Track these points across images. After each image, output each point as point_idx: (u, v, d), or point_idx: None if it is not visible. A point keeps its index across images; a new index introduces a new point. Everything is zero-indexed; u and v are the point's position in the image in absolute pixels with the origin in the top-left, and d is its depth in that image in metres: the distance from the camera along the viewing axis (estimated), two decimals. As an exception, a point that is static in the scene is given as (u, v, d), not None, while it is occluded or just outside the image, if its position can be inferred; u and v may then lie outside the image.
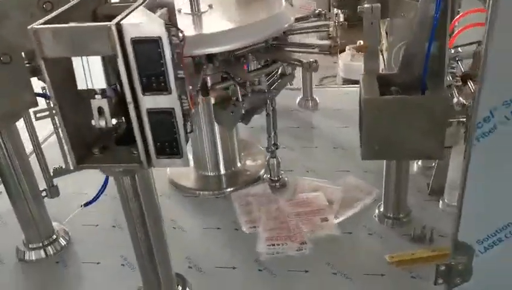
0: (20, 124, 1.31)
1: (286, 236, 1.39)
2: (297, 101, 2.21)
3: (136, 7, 0.86)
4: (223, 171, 1.71)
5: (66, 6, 0.93)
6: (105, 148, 0.96)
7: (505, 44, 0.65)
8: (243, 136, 1.83)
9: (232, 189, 1.64)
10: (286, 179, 1.65)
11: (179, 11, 1.47)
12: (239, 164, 1.75)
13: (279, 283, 1.25)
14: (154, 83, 0.81)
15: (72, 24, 0.81)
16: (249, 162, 1.77)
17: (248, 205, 1.55)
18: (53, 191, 1.46)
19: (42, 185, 1.42)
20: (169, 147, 0.88)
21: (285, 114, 2.15)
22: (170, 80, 0.81)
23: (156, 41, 0.78)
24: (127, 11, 0.84)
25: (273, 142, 1.57)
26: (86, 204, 1.41)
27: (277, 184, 1.63)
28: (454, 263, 0.83)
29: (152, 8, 0.90)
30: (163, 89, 0.81)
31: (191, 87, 0.92)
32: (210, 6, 1.48)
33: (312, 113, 2.16)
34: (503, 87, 0.67)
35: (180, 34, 0.87)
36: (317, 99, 2.21)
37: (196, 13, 1.47)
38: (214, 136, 1.63)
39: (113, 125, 0.88)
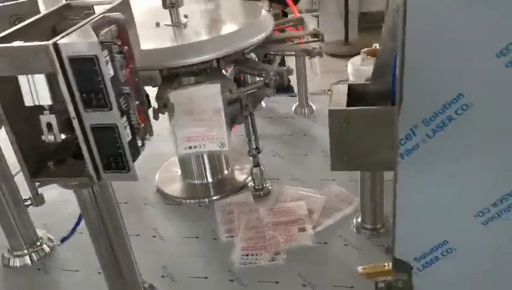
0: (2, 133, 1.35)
1: (261, 246, 1.39)
2: (293, 108, 2.21)
3: (83, 25, 0.88)
4: (209, 179, 1.72)
5: (24, 23, 0.97)
6: (62, 162, 0.98)
7: (418, 59, 0.64)
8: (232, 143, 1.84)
9: (217, 197, 1.65)
10: (270, 187, 1.65)
11: (158, 24, 1.49)
12: (226, 172, 1.76)
13: (248, 293, 1.26)
14: (94, 99, 0.83)
15: (14, 43, 0.84)
16: (236, 170, 1.78)
17: (229, 213, 1.56)
18: (38, 200, 1.50)
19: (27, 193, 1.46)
20: (115, 162, 0.89)
21: (280, 121, 2.16)
22: (110, 97, 0.82)
23: (91, 60, 0.80)
24: (71, 29, 0.86)
25: (254, 147, 1.57)
26: (62, 240, 1.50)
27: (261, 193, 1.63)
28: (394, 280, 0.82)
29: (102, 25, 0.91)
30: (103, 105, 0.83)
31: (137, 102, 0.93)
32: (185, 16, 1.49)
33: (307, 121, 2.15)
34: (422, 106, 0.66)
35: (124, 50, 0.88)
36: (313, 106, 2.20)
37: (176, 25, 1.49)
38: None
39: (62, 139, 0.90)
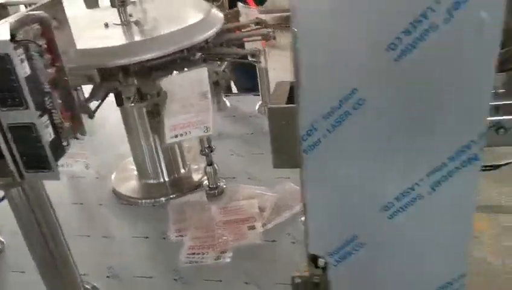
0: None
1: (209, 245, 1.39)
2: (256, 107, 2.21)
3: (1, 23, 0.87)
4: (165, 179, 1.72)
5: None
6: (-10, 161, 0.97)
7: (312, 57, 0.64)
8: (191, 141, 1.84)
9: (173, 197, 1.65)
10: (224, 186, 1.65)
11: (106, 24, 1.49)
12: (183, 171, 1.76)
13: (190, 292, 1.25)
14: (9, 98, 0.82)
15: None
16: (193, 169, 1.78)
17: (182, 213, 1.56)
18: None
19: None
20: (37, 162, 0.89)
21: (242, 120, 2.16)
22: (25, 96, 0.82)
23: (3, 58, 0.79)
24: (-12, 27, 0.85)
25: (207, 145, 1.56)
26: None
27: (215, 192, 1.63)
28: (310, 275, 0.82)
29: (25, 23, 0.91)
30: (19, 104, 0.83)
31: (59, 101, 0.92)
32: (131, 16, 1.49)
33: (269, 119, 2.14)
34: (321, 101, 0.67)
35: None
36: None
37: (125, 24, 1.49)
38: (150, 143, 1.63)
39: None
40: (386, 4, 0.59)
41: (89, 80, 1.18)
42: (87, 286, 1.25)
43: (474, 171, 0.67)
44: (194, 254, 1.36)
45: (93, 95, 1.26)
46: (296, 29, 0.62)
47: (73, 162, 1.55)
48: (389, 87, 0.63)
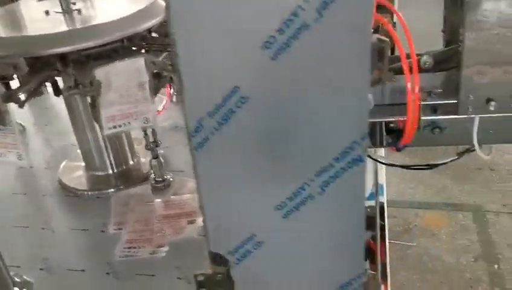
0: None
1: (147, 239, 1.38)
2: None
3: None
4: (112, 170, 1.70)
5: None
6: None
7: (192, 57, 0.63)
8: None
9: (118, 189, 1.63)
10: (171, 179, 1.63)
11: (47, 12, 1.46)
12: (131, 162, 1.74)
13: (121, 286, 1.24)
14: None
15: None
16: (142, 160, 1.76)
17: (125, 206, 1.54)
18: None
19: None
20: None
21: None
22: None
23: None
24: None
25: (152, 140, 1.55)
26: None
27: (161, 185, 1.61)
28: (213, 273, 0.81)
29: None
30: None
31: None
32: (74, 4, 1.46)
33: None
34: (205, 98, 0.65)
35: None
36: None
37: (67, 11, 1.46)
38: (95, 134, 1.61)
39: None
40: (259, 3, 0.58)
41: (15, 69, 1.16)
42: (16, 279, 1.23)
43: (359, 172, 0.67)
44: (130, 248, 1.35)
45: (24, 84, 1.23)
46: (173, 31, 0.61)
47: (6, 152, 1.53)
48: (270, 85, 0.62)
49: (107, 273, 1.28)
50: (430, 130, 1.27)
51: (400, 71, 1.39)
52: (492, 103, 1.16)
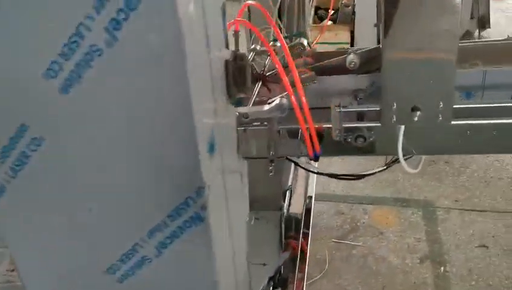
0: None
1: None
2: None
3: None
4: None
5: None
6: None
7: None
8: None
9: None
10: None
11: None
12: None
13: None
14: None
15: None
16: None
17: None
18: None
19: None
20: None
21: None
22: None
23: None
24: None
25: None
26: None
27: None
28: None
29: None
30: None
31: None
32: None
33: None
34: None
35: None
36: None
37: None
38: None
39: None
40: (37, 19, 0.42)
41: None
42: None
43: (202, 232, 0.52)
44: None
45: None
46: None
47: None
48: (68, 125, 0.46)
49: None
50: (354, 139, 1.13)
51: (322, 72, 1.24)
52: (418, 113, 1.03)
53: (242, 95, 0.80)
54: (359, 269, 2.07)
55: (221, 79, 0.68)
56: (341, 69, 1.18)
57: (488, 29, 4.15)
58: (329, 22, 3.66)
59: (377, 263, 2.10)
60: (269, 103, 1.10)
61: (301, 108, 1.04)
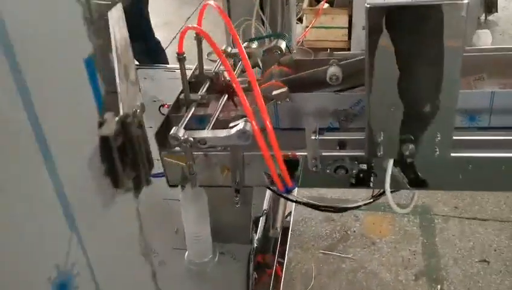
0: None
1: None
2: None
3: None
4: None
5: None
6: None
7: None
8: None
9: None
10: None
11: None
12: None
13: None
14: None
15: None
16: None
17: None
18: None
19: None
20: None
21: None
22: None
23: None
24: None
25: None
26: None
27: None
28: None
29: None
30: None
31: None
32: None
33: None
34: None
35: None
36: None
37: None
38: None
39: None
40: None
41: None
42: None
43: None
44: None
45: None
46: None
47: None
48: None
49: None
50: (333, 170, 0.94)
51: (299, 85, 1.05)
52: (410, 146, 0.84)
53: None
54: (348, 286, 1.91)
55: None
56: (321, 83, 0.99)
57: (495, 14, 3.91)
58: (326, 5, 3.41)
59: (368, 279, 1.93)
60: (231, 127, 0.92)
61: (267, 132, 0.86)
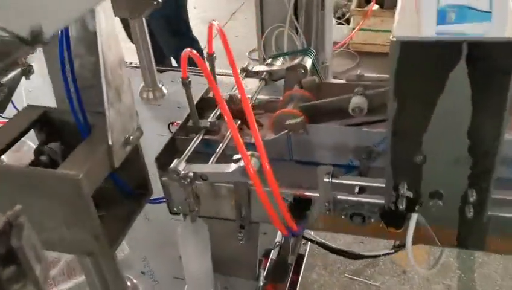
0: None
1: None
2: (138, 91, 1.75)
3: None
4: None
5: None
6: None
7: None
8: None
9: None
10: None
11: None
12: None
13: None
14: None
15: None
16: None
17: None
18: None
19: None
20: None
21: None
22: None
23: None
24: None
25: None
26: None
27: None
28: None
29: None
30: None
31: None
32: None
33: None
34: None
35: None
36: (164, 89, 1.75)
37: None
38: None
39: None
40: None
41: None
42: None
43: None
44: None
45: None
46: None
47: None
48: None
49: None
50: (349, 217, 0.82)
51: (318, 115, 0.93)
52: (438, 202, 0.71)
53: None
54: (372, 318, 1.77)
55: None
56: (343, 114, 0.87)
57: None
58: (375, 6, 3.24)
59: (394, 314, 1.79)
60: (235, 161, 0.81)
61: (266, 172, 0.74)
